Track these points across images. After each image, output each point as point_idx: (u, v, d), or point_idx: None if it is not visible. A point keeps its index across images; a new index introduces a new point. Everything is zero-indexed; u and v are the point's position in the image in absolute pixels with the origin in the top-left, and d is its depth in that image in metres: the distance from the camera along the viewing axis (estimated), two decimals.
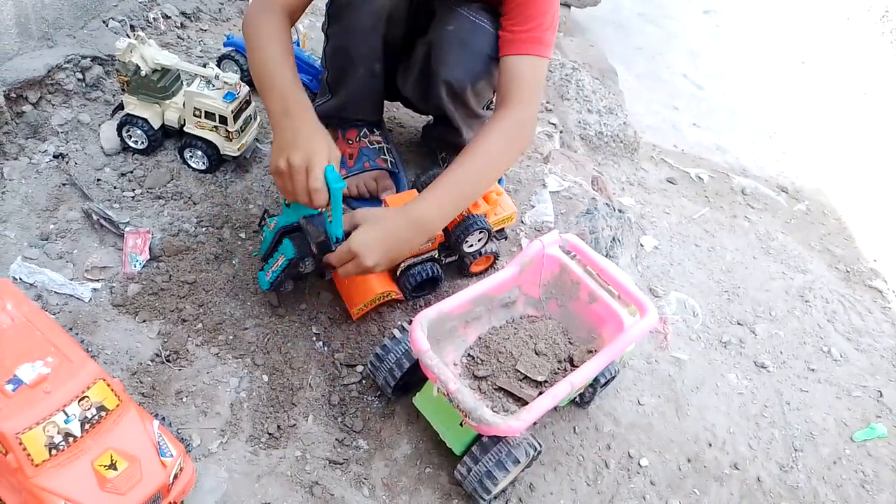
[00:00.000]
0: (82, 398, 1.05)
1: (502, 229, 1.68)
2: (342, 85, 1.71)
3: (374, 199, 1.77)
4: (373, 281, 1.51)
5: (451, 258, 1.62)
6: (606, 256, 1.87)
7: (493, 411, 1.25)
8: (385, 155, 1.81)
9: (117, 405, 1.09)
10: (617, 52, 3.18)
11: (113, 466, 1.04)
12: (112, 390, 1.09)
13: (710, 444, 1.59)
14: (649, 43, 3.45)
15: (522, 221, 1.92)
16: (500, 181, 1.92)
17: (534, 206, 1.96)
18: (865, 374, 1.89)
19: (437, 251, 1.58)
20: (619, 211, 2.00)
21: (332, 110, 1.77)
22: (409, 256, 1.54)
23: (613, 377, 1.51)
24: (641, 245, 2.06)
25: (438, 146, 1.92)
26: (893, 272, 2.32)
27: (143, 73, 1.63)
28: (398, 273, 1.56)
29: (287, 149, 1.26)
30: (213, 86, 1.64)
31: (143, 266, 1.51)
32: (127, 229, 1.53)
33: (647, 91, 3.03)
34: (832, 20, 4.23)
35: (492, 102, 1.77)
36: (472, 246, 1.59)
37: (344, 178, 1.78)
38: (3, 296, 1.14)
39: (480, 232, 1.57)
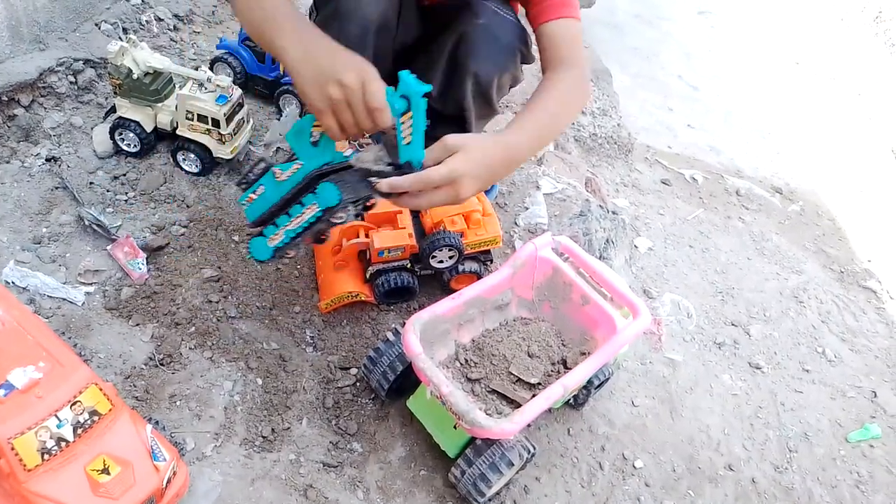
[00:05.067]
0: (74, 403, 1.05)
1: (488, 251, 1.65)
2: None
3: None
4: (345, 279, 1.51)
5: (427, 271, 1.60)
6: (600, 258, 1.87)
7: (487, 414, 1.25)
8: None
9: (110, 409, 1.09)
10: (612, 53, 3.18)
11: (106, 471, 1.04)
12: (104, 395, 1.09)
13: (705, 445, 1.59)
14: (644, 44, 3.45)
15: (516, 223, 1.92)
16: (492, 188, 1.91)
17: (527, 208, 1.96)
18: (860, 375, 1.89)
19: (408, 261, 1.56)
20: (613, 213, 2.00)
21: None
22: (379, 262, 1.52)
23: (607, 379, 1.51)
24: (635, 246, 2.06)
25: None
26: (887, 273, 2.32)
27: (135, 76, 1.63)
28: (368, 276, 1.55)
29: (330, 73, 1.06)
30: (206, 89, 1.64)
31: (148, 265, 1.51)
32: (108, 247, 1.52)
33: (641, 92, 3.03)
34: (826, 21, 4.24)
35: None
36: (441, 262, 1.57)
37: None
38: None
39: (450, 249, 1.55)
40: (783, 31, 3.98)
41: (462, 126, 1.75)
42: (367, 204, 1.38)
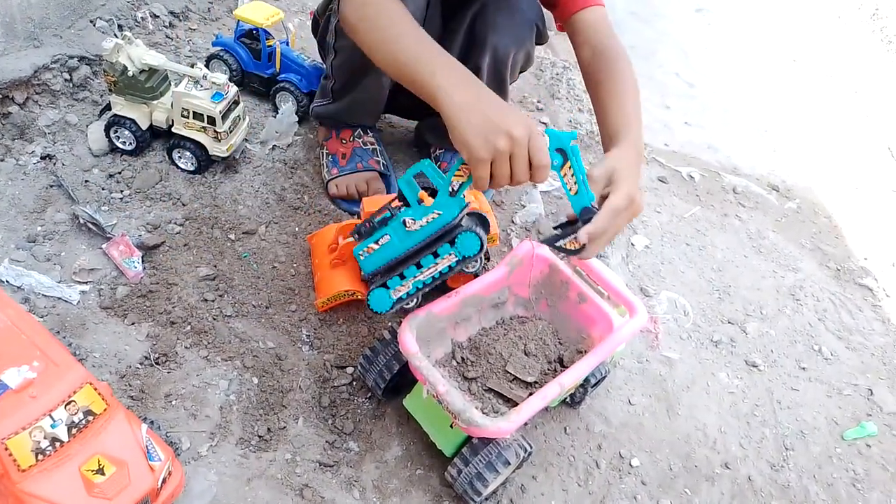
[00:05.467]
0: (69, 402, 1.05)
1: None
2: (348, 94, 1.71)
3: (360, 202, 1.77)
4: (341, 277, 1.50)
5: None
6: (596, 256, 1.87)
7: (483, 413, 1.24)
8: (378, 157, 1.81)
9: (105, 409, 1.08)
10: None
11: (100, 471, 1.03)
12: (99, 394, 1.08)
13: (701, 444, 1.59)
14: (641, 42, 3.44)
15: (513, 221, 1.92)
16: (486, 192, 1.91)
17: (524, 206, 1.96)
18: (856, 373, 1.89)
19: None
20: None
21: (332, 113, 1.77)
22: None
23: (604, 377, 1.51)
24: (632, 244, 2.05)
25: (437, 140, 1.91)
26: (883, 270, 2.32)
27: (130, 74, 1.62)
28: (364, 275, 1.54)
29: (500, 125, 1.04)
30: (202, 86, 1.63)
31: (143, 263, 1.50)
32: (103, 245, 1.52)
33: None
34: (823, 18, 4.23)
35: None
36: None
37: (336, 177, 1.78)
38: None
39: None
40: (780, 29, 3.98)
41: None
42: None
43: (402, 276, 1.29)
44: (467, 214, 1.25)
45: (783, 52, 3.75)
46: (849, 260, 2.33)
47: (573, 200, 1.13)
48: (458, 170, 1.15)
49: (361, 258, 1.32)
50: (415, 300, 1.34)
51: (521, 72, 1.75)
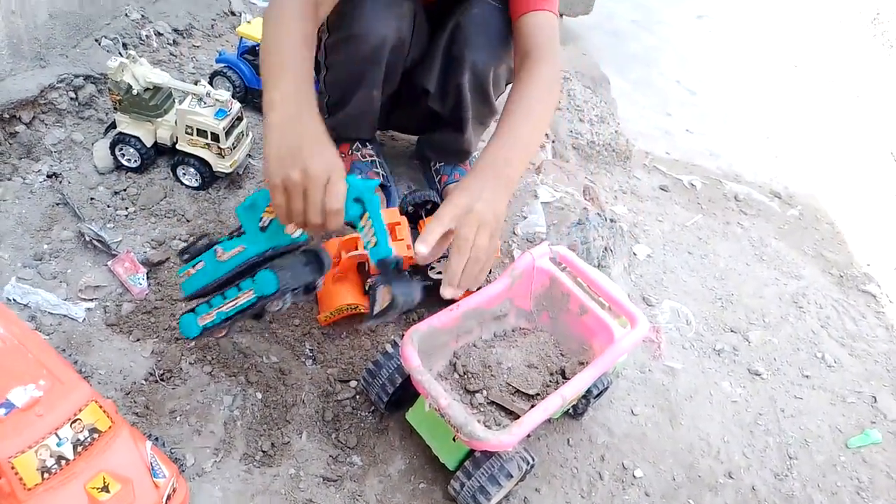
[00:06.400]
0: (74, 420, 1.06)
1: None
2: (341, 109, 1.72)
3: None
4: (343, 291, 1.51)
5: (426, 282, 1.60)
6: (598, 267, 1.88)
7: (486, 425, 1.25)
8: (378, 168, 1.83)
9: (110, 427, 1.10)
10: (610, 59, 3.19)
11: (105, 489, 1.04)
12: (104, 412, 1.09)
13: (705, 453, 1.59)
14: (642, 49, 3.46)
15: (514, 233, 1.93)
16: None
17: (525, 217, 1.97)
18: (860, 380, 1.89)
19: (407, 272, 1.56)
20: (611, 220, 2.01)
21: (328, 127, 1.78)
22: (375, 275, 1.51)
23: (606, 388, 1.51)
24: (634, 254, 2.06)
25: (435, 155, 1.93)
26: (886, 277, 2.32)
27: (135, 92, 1.64)
28: (367, 288, 1.55)
29: (300, 155, 1.02)
30: (205, 103, 1.65)
31: (148, 280, 1.52)
32: (109, 262, 1.54)
33: (640, 98, 3.03)
34: (824, 23, 4.24)
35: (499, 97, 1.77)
36: (439, 273, 1.57)
37: None
38: None
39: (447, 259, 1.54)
40: (781, 34, 3.99)
41: (454, 131, 1.76)
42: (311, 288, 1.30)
43: (210, 305, 1.26)
44: (302, 252, 1.20)
45: (784, 58, 3.76)
46: (851, 266, 2.33)
47: (371, 253, 1.10)
48: (269, 205, 1.12)
49: (182, 281, 1.29)
50: (225, 330, 1.30)
51: (507, 84, 1.76)
